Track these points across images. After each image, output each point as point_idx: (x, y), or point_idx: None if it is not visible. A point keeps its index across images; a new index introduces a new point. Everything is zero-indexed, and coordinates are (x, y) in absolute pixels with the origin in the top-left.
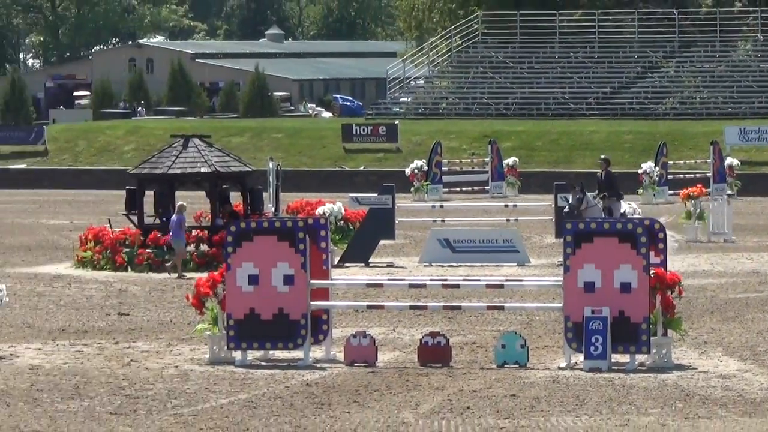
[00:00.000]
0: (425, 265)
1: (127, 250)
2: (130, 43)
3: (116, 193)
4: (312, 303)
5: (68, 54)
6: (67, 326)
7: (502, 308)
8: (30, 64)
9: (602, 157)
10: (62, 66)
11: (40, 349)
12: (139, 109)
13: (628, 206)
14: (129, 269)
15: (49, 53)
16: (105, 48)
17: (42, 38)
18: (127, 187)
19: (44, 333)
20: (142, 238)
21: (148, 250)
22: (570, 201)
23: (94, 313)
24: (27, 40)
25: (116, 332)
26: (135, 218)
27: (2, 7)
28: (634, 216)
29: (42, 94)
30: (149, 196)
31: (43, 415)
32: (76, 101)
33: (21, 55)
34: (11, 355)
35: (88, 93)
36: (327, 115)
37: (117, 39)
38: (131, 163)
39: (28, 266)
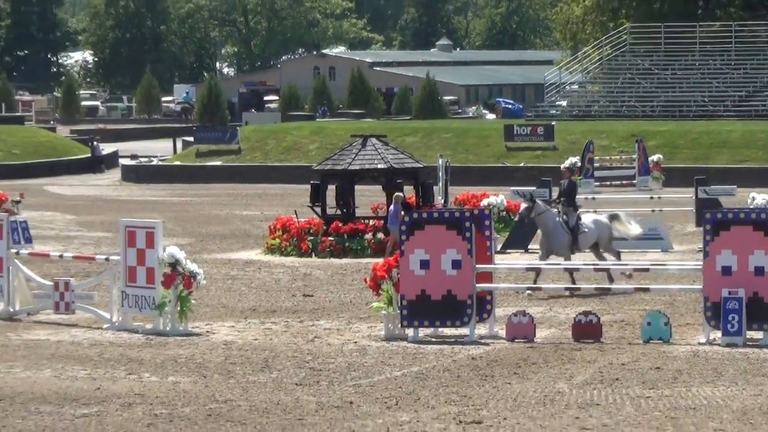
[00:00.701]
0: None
1: (312, 238)
2: (314, 53)
3: (302, 187)
4: (477, 285)
5: (259, 63)
6: (257, 306)
7: (647, 290)
8: (225, 72)
9: (566, 165)
10: (254, 74)
11: (233, 326)
12: (321, 109)
13: (761, 199)
14: (313, 255)
15: (242, 62)
16: (292, 57)
17: (236, 49)
18: (312, 181)
19: (237, 312)
20: (325, 227)
21: (330, 238)
22: (520, 210)
23: (282, 294)
24: (223, 51)
25: (301, 312)
26: (319, 209)
27: (201, 21)
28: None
29: (236, 99)
30: (331, 189)
31: (235, 385)
32: (266, 105)
33: (217, 64)
34: (208, 332)
35: (276, 98)
36: (491, 117)
37: (303, 49)
38: (315, 160)
39: (223, 252)
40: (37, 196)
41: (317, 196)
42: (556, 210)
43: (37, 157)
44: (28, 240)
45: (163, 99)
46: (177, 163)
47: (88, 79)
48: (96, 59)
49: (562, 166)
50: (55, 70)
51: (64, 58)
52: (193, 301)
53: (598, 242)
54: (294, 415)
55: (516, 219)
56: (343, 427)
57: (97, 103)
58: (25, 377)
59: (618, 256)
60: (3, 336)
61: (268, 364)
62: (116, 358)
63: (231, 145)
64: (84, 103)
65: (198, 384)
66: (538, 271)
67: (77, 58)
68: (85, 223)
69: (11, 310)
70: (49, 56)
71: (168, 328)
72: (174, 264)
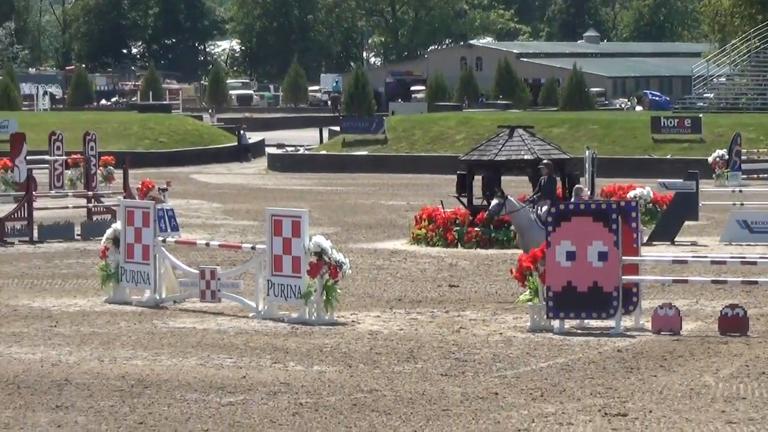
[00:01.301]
0: (725, 244)
1: (458, 228)
2: (461, 43)
3: (448, 177)
4: (623, 277)
5: (406, 53)
6: (403, 296)
7: None
8: (372, 62)
9: (545, 161)
10: (401, 63)
11: (378, 316)
12: (480, 100)
13: None
14: (459, 246)
15: (389, 52)
16: (439, 48)
17: (383, 39)
18: (458, 171)
19: (382, 302)
20: (471, 217)
21: (476, 229)
22: (490, 207)
23: (427, 284)
24: (370, 41)
25: (447, 302)
26: (465, 200)
27: (348, 11)
28: None
29: (382, 89)
30: (478, 180)
31: (381, 375)
32: (413, 95)
33: (364, 54)
34: (353, 321)
35: (423, 88)
36: (638, 108)
37: (450, 40)
38: (461, 150)
39: (369, 242)
40: (184, 184)
41: (464, 187)
42: (529, 207)
43: (184, 145)
44: (175, 228)
45: (310, 88)
46: (323, 152)
47: (234, 68)
48: (243, 48)
49: (543, 162)
50: (202, 58)
51: (212, 47)
52: (338, 291)
53: None
54: (439, 405)
55: (486, 217)
56: (488, 418)
57: (250, 92)
58: (171, 365)
59: None
60: (149, 324)
61: (414, 354)
62: (262, 347)
63: (377, 135)
64: (236, 92)
65: (343, 374)
66: None
67: (224, 46)
68: (231, 211)
69: (158, 297)
70: (196, 45)
71: (313, 318)
72: (320, 253)
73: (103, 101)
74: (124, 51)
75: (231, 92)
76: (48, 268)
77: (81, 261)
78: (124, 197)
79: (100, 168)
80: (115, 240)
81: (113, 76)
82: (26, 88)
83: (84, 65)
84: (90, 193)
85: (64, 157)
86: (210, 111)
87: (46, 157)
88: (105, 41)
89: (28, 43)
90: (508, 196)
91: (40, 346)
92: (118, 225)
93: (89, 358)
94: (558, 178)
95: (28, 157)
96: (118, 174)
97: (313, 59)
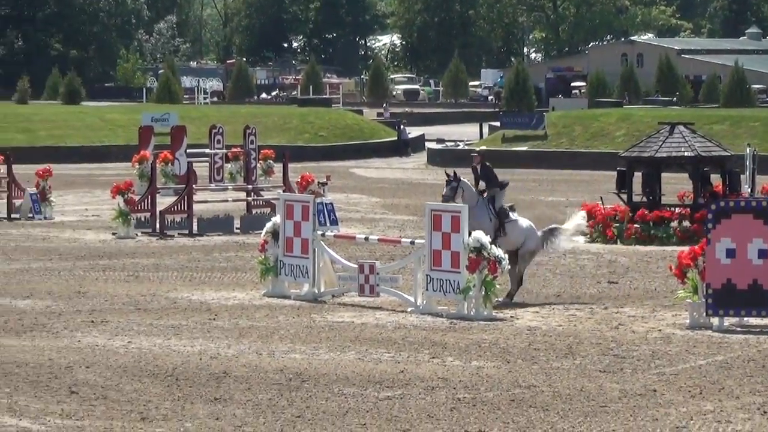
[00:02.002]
0: None
1: (617, 224)
2: (622, 39)
3: (607, 174)
4: None
5: (567, 49)
6: (561, 292)
7: None
8: (533, 58)
9: (475, 150)
10: (561, 59)
11: (537, 312)
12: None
13: None
14: (618, 242)
15: (550, 48)
16: (600, 44)
17: (544, 34)
18: (618, 168)
19: (541, 297)
20: (630, 214)
21: (635, 226)
22: (444, 192)
23: (586, 281)
24: (530, 36)
25: (606, 298)
26: (624, 196)
27: (509, 7)
28: None
29: (542, 84)
30: (638, 176)
31: (539, 371)
32: (573, 91)
33: (525, 49)
34: (511, 317)
35: (584, 84)
36: None
37: (611, 36)
38: (621, 146)
39: None
40: (344, 178)
41: (623, 183)
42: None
43: (344, 139)
44: (334, 222)
45: (470, 84)
46: (483, 147)
47: (395, 63)
48: (404, 43)
49: (474, 151)
50: (362, 53)
51: (372, 42)
52: (497, 286)
53: (519, 249)
54: (597, 402)
55: (443, 201)
56: (646, 415)
57: (416, 86)
58: (329, 359)
59: (520, 281)
60: (308, 318)
61: (572, 350)
62: (420, 342)
63: (537, 131)
64: (401, 87)
65: (501, 369)
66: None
67: (385, 41)
68: (390, 206)
69: (316, 291)
70: (357, 39)
71: (472, 313)
72: (479, 249)
73: (264, 95)
74: (285, 45)
75: (397, 87)
76: (207, 261)
77: (240, 254)
78: (284, 191)
79: (260, 161)
80: (275, 234)
81: (273, 70)
82: (187, 81)
83: (245, 59)
84: (249, 186)
85: (224, 151)
86: (384, 105)
87: (207, 150)
88: (266, 35)
89: (189, 37)
90: (461, 179)
91: (199, 338)
92: (277, 219)
93: (247, 352)
94: (482, 166)
95: (188, 150)
96: (277, 168)
97: (473, 54)
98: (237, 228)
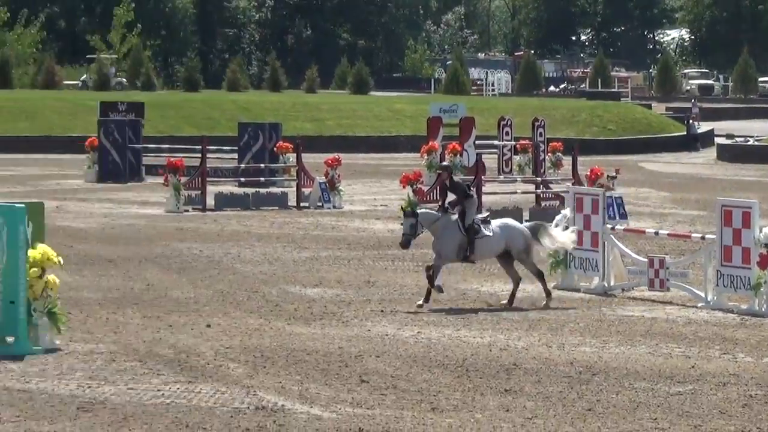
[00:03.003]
0: None
1: None
2: None
3: None
4: None
5: None
6: None
7: None
8: None
9: (442, 165)
10: None
11: None
12: None
13: None
14: None
15: None
16: None
17: None
18: None
19: None
20: None
21: None
22: (404, 230)
23: None
24: None
25: None
26: None
27: None
28: None
29: None
30: None
31: None
32: None
33: None
34: None
35: None
36: None
37: None
38: None
39: None
40: (632, 172)
41: None
42: (453, 215)
43: (632, 133)
44: (623, 216)
45: (760, 79)
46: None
47: (683, 58)
48: (692, 37)
49: (440, 166)
50: (651, 47)
51: (661, 36)
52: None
53: (510, 251)
54: None
55: (401, 243)
56: None
57: (711, 81)
58: (619, 353)
59: (540, 275)
60: (597, 311)
61: None
62: (710, 337)
63: None
64: (695, 81)
65: None
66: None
67: (673, 35)
68: (679, 200)
69: (606, 285)
70: (645, 33)
71: (763, 309)
72: None
73: (552, 87)
74: (573, 38)
75: (690, 82)
76: None
77: None
78: (573, 184)
79: (549, 154)
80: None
81: (561, 62)
82: (475, 72)
83: (533, 51)
84: (538, 179)
85: (513, 143)
86: (693, 101)
87: (495, 142)
88: (553, 28)
89: (478, 29)
90: (418, 210)
91: (489, 330)
92: (567, 211)
93: (537, 344)
94: (450, 181)
95: (477, 142)
96: (566, 160)
97: (763, 49)
98: (526, 220)
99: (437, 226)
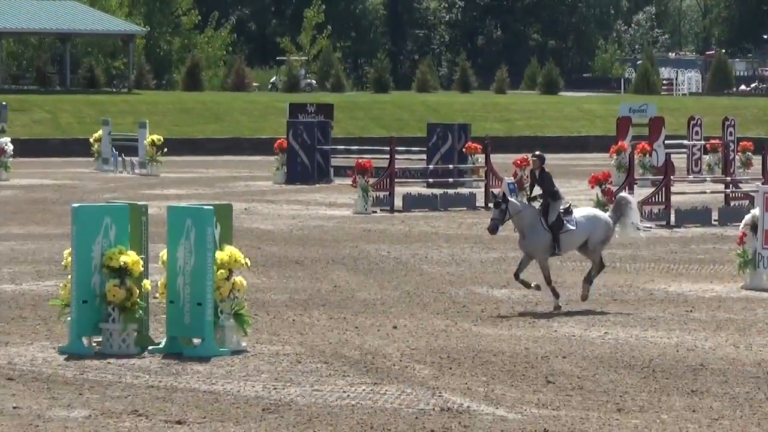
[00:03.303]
0: None
1: None
2: None
3: None
4: None
5: None
6: None
7: None
8: None
9: (536, 153)
10: None
11: None
12: None
13: None
14: None
15: None
16: None
17: None
18: None
19: None
20: None
21: None
22: (493, 215)
23: None
24: None
25: None
26: None
27: None
28: None
29: None
30: None
31: None
32: None
33: None
34: None
35: None
36: None
37: None
38: None
39: None
40: None
41: None
42: (537, 204)
43: None
44: None
45: None
46: None
47: None
48: None
49: (530, 156)
50: None
51: None
52: None
53: (588, 240)
54: None
55: (489, 228)
56: None
57: None
58: None
59: (600, 266)
60: None
61: None
62: None
63: None
64: None
65: None
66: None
67: None
68: None
69: None
70: None
71: None
72: None
73: (743, 86)
74: (765, 36)
75: None
76: (684, 252)
77: (717, 246)
78: (763, 183)
79: (739, 153)
80: (753, 226)
81: (753, 61)
82: (665, 72)
83: (724, 50)
84: (728, 178)
85: (703, 142)
86: None
87: (684, 142)
88: (745, 26)
89: (668, 28)
90: (510, 199)
91: (676, 330)
92: (756, 211)
93: (724, 344)
94: (540, 171)
95: (666, 141)
96: (756, 160)
97: None
98: (714, 220)
99: (521, 216)
